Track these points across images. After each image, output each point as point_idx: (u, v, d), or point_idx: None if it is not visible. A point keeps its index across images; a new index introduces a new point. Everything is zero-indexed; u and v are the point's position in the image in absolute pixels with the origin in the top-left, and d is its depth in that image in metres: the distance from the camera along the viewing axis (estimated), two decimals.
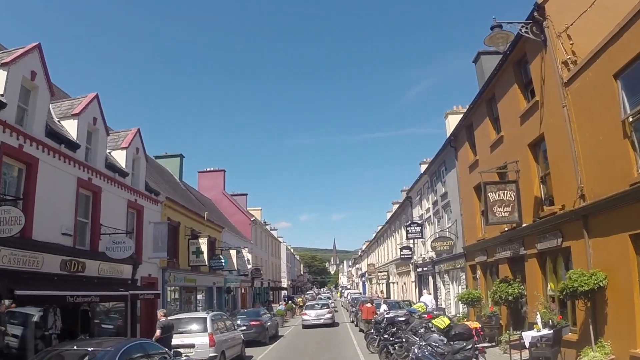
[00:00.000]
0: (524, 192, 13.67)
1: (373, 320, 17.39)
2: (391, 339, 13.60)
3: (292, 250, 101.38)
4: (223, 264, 27.19)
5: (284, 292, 73.92)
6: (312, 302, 32.97)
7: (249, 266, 36.69)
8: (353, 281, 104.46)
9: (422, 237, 28.05)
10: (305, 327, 27.79)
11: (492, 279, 17.07)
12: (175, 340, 13.07)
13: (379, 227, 61.69)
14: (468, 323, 13.03)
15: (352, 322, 29.93)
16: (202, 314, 15.72)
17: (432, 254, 26.32)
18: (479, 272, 18.59)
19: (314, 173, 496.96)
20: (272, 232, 70.85)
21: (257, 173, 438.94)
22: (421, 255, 29.49)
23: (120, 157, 17.53)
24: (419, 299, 24.92)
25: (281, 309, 36.34)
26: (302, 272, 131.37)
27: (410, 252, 30.57)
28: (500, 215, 13.62)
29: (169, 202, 21.66)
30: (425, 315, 16.62)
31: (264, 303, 49.22)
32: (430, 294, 23.95)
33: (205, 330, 14.23)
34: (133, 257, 16.13)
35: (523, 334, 11.64)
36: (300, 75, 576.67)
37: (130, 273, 16.62)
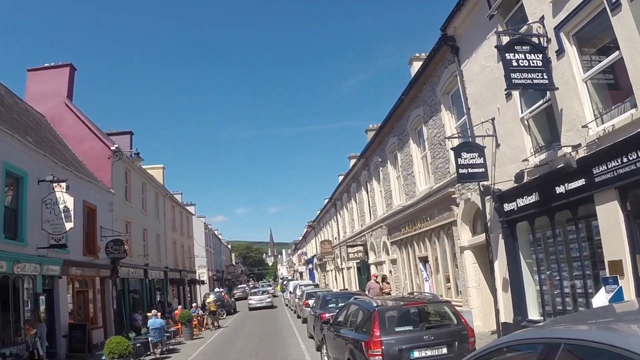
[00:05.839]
0: None
1: None
2: None
3: (217, 233, 79.39)
4: None
5: (212, 288, 51.99)
6: (255, 290, 41.16)
7: (69, 225, 15.60)
8: (295, 271, 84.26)
9: (551, 84, 8.52)
10: (251, 309, 34.13)
11: None
12: None
13: (325, 200, 41.73)
14: None
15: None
16: None
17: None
18: None
19: (248, 166, 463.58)
20: (189, 207, 49.10)
21: (191, 167, 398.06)
22: (531, 156, 9.71)
23: None
24: None
25: (150, 329, 15.84)
26: (234, 262, 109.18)
27: (481, 159, 10.80)
28: None
29: None
30: None
31: (146, 311, 28.09)
32: None
33: None
34: None
35: None
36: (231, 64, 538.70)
37: None
